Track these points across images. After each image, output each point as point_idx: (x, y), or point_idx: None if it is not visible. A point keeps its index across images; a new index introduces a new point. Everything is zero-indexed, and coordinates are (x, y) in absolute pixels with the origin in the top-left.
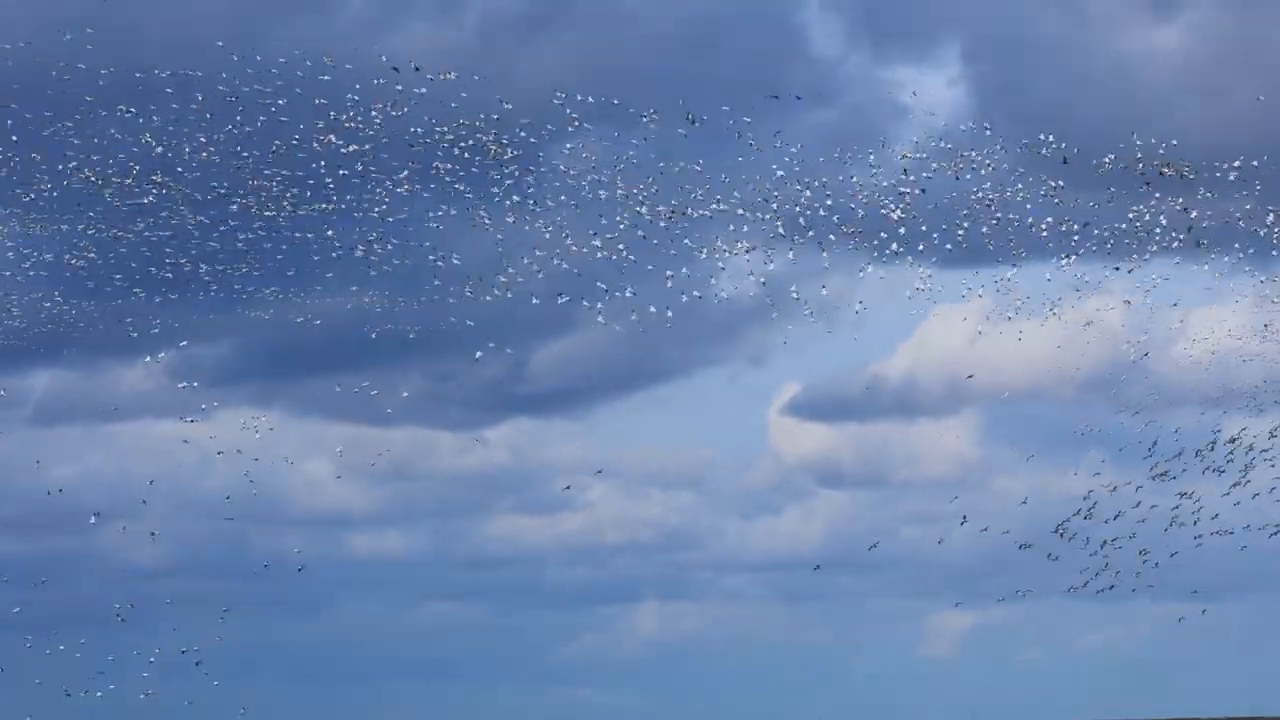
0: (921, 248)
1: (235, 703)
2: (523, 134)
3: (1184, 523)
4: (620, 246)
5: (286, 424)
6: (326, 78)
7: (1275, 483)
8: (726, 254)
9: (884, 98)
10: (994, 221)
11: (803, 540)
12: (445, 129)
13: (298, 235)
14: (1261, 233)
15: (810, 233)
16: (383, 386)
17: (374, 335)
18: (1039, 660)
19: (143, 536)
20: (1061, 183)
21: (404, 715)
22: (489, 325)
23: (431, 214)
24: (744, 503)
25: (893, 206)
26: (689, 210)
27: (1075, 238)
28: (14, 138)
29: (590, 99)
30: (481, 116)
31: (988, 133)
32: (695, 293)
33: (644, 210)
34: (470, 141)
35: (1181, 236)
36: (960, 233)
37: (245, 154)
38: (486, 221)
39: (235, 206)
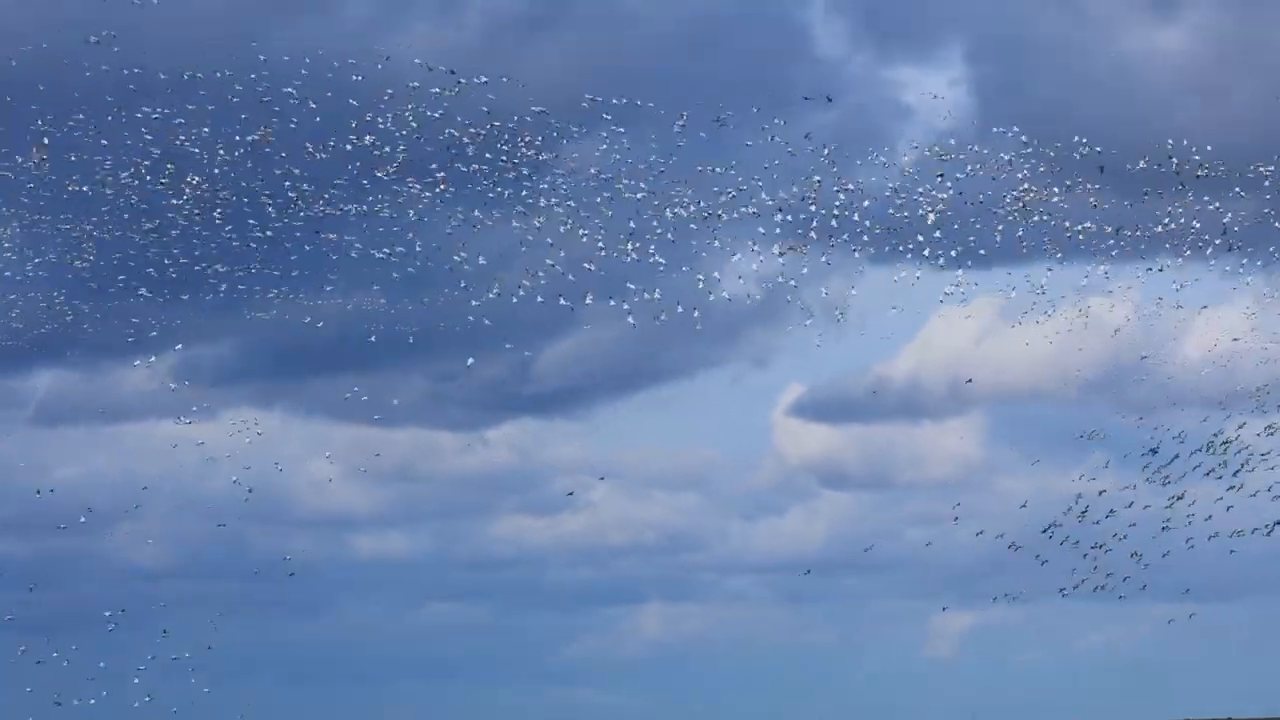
0: (926, 249)
1: (236, 703)
2: (525, 134)
3: (1175, 526)
4: (622, 247)
5: (288, 425)
6: (330, 76)
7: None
8: (728, 254)
9: (887, 98)
10: (998, 225)
11: (806, 542)
12: (446, 129)
13: (300, 236)
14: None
15: (812, 233)
16: (384, 387)
17: (372, 338)
18: (1039, 661)
19: (143, 537)
20: (1067, 184)
21: (405, 715)
22: (490, 326)
23: (431, 214)
24: (747, 504)
25: (896, 207)
26: (690, 210)
27: (1077, 238)
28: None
29: (589, 99)
30: (487, 115)
31: (994, 131)
32: (707, 293)
33: (648, 210)
34: (479, 139)
35: (1188, 239)
36: (965, 234)
37: (247, 155)
38: (488, 222)
39: (241, 208)
